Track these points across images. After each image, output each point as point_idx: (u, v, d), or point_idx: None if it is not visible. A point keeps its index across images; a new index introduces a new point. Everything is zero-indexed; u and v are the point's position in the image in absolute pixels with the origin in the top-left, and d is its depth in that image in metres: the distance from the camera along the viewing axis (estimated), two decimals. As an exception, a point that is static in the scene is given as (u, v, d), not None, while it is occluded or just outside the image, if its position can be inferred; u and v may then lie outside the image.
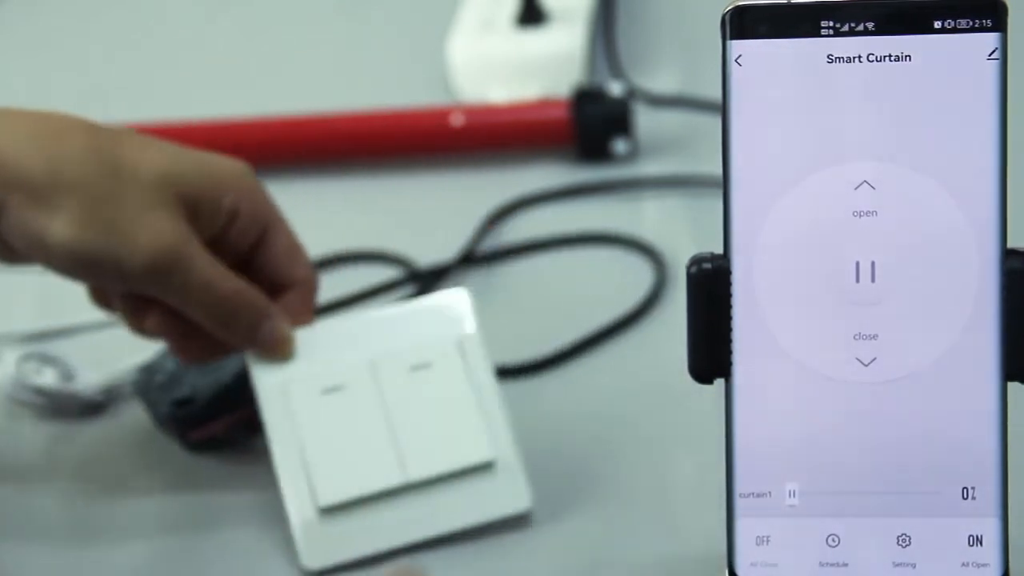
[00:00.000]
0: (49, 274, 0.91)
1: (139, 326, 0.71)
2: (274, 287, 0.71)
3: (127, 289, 0.68)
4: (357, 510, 0.68)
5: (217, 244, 0.69)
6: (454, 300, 0.71)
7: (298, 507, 0.68)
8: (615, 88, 0.97)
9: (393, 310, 0.73)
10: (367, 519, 0.68)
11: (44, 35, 1.22)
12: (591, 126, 0.97)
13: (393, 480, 0.68)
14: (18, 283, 0.91)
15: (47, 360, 0.80)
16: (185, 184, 0.66)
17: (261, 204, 0.70)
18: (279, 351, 0.70)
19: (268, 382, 0.70)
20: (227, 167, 0.69)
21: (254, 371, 0.70)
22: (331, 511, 0.68)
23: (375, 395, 0.69)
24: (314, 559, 0.68)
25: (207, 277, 0.67)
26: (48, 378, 0.79)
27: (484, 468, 0.69)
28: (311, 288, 0.72)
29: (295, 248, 0.71)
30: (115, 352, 0.78)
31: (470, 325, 0.70)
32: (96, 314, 0.86)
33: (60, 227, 0.64)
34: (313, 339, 0.71)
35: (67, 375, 0.79)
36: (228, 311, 0.68)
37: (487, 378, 0.70)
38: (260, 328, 0.69)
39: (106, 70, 1.15)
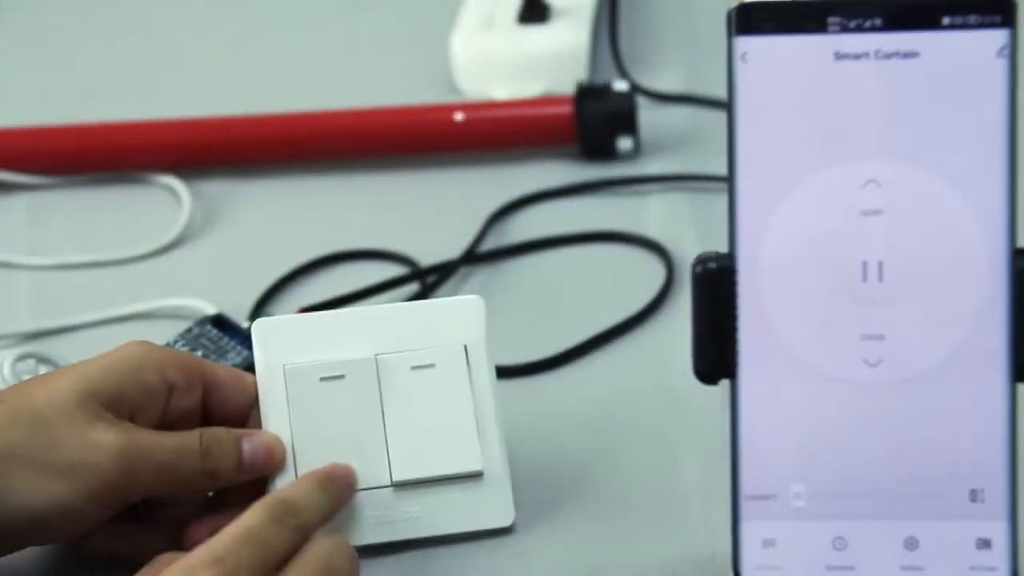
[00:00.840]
0: (43, 274, 0.92)
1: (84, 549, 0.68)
2: (241, 412, 0.70)
3: (91, 524, 0.65)
4: None
5: (178, 419, 0.68)
6: (467, 305, 0.70)
7: None
8: (619, 85, 0.97)
9: (404, 307, 0.72)
10: (348, 514, 0.68)
11: (44, 35, 1.22)
12: (594, 123, 0.96)
13: (378, 479, 0.68)
14: (12, 283, 0.91)
15: (43, 360, 0.79)
16: (103, 392, 0.65)
17: (183, 360, 0.68)
18: (273, 458, 0.68)
19: (268, 363, 0.69)
20: (131, 353, 0.67)
21: (256, 350, 0.69)
22: None
23: (373, 390, 0.69)
24: None
25: (172, 444, 0.65)
26: (43, 378, 0.78)
27: (472, 478, 0.69)
28: None
29: (236, 373, 0.70)
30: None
31: (479, 332, 0.70)
32: (91, 314, 0.86)
33: (19, 491, 0.63)
34: (322, 326, 0.70)
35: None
36: (208, 462, 0.66)
37: (488, 387, 0.69)
38: (242, 453, 0.67)
39: (106, 70, 1.15)
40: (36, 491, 0.63)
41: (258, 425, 0.69)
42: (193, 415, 0.68)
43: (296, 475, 0.68)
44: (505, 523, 0.69)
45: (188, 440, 0.66)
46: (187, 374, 0.68)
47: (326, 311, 0.72)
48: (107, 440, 0.64)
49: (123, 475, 0.64)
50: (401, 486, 0.68)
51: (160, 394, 0.67)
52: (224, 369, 0.70)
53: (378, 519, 0.68)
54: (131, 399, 0.66)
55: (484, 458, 0.69)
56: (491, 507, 0.69)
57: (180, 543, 0.67)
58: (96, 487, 0.63)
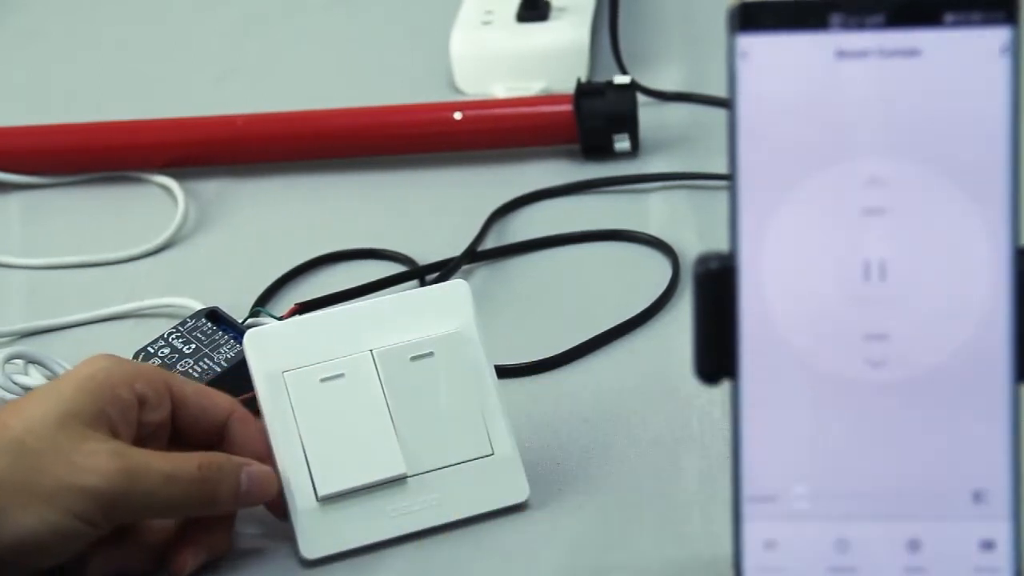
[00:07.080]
0: (33, 273, 0.91)
1: None
2: (212, 431, 0.69)
3: (88, 542, 0.64)
4: (355, 500, 0.68)
5: (150, 435, 0.67)
6: (454, 291, 0.71)
7: (298, 496, 0.68)
8: (619, 79, 0.96)
9: (393, 300, 0.72)
10: (365, 509, 0.68)
11: (38, 33, 1.21)
12: (594, 121, 0.95)
13: (391, 471, 0.68)
14: (7, 283, 0.91)
15: (32, 361, 0.79)
16: (83, 411, 0.64)
17: (151, 374, 0.67)
18: (267, 491, 0.67)
19: (265, 371, 0.69)
20: (99, 368, 0.66)
21: (251, 359, 0.69)
22: (329, 501, 0.68)
23: (374, 385, 0.69)
24: (312, 549, 0.68)
25: (166, 468, 0.64)
26: (34, 377, 0.78)
27: (482, 459, 0.69)
28: (241, 412, 0.69)
29: (203, 391, 0.69)
30: (100, 350, 0.76)
31: (469, 316, 0.70)
32: (81, 312, 0.86)
33: (14, 520, 0.62)
34: (313, 328, 0.70)
35: (53, 374, 0.78)
36: (207, 487, 0.65)
37: (486, 369, 0.70)
38: (241, 484, 0.66)
39: (100, 69, 1.14)
40: (28, 517, 0.62)
41: (237, 442, 0.68)
42: (163, 430, 0.68)
43: (312, 481, 0.68)
44: (520, 499, 0.69)
45: (184, 462, 0.65)
46: (155, 387, 0.67)
47: (315, 312, 0.72)
48: (100, 459, 0.63)
49: (118, 494, 0.63)
50: (416, 477, 0.69)
51: (133, 408, 0.66)
52: (192, 386, 0.69)
53: (397, 511, 0.68)
54: (109, 415, 0.65)
55: (492, 438, 0.69)
56: (505, 485, 0.69)
57: (161, 561, 0.67)
58: (90, 507, 0.62)
